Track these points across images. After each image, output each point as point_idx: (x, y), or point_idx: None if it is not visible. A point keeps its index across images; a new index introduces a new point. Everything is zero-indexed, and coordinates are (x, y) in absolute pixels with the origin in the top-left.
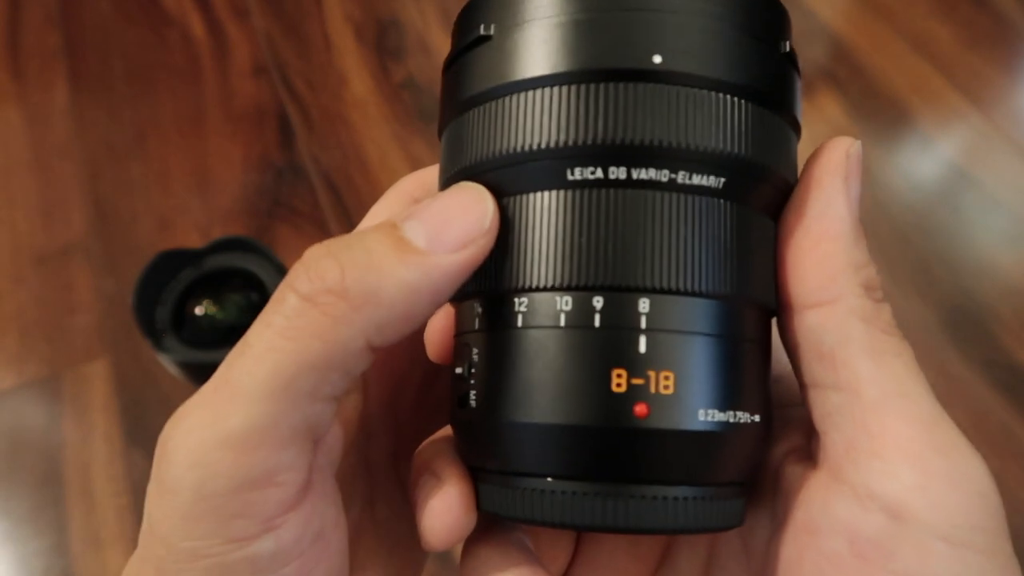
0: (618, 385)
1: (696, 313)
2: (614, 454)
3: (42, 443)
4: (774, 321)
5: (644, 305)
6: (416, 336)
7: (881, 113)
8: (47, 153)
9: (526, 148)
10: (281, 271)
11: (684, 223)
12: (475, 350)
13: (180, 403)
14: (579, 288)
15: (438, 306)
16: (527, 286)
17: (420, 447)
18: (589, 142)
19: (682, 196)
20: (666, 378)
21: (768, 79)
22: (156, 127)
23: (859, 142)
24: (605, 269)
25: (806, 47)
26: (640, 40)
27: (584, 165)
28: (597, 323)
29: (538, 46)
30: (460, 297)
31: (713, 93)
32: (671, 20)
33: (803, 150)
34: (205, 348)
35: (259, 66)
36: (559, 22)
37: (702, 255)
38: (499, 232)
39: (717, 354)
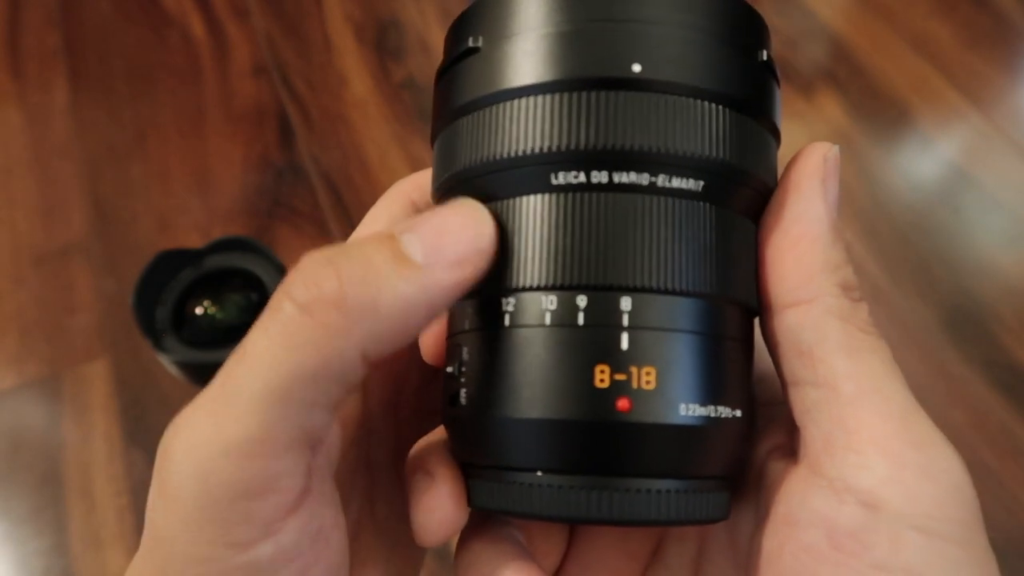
0: (601, 381)
1: (677, 311)
2: (599, 448)
3: (42, 443)
4: (757, 321)
5: (626, 303)
6: (417, 337)
7: (881, 113)
8: (47, 153)
9: (512, 154)
10: (281, 271)
11: (664, 224)
12: (465, 349)
13: (180, 403)
14: (563, 287)
15: (432, 320)
16: (514, 286)
17: (414, 447)
18: (572, 148)
19: (662, 199)
20: (648, 374)
21: (745, 86)
22: (156, 127)
23: (836, 147)
24: (588, 269)
25: (806, 47)
26: (620, 50)
27: (567, 170)
28: (581, 321)
29: (524, 57)
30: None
31: (691, 100)
32: (651, 31)
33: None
34: (205, 348)
35: (259, 66)
36: (544, 34)
37: (682, 255)
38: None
39: (698, 351)
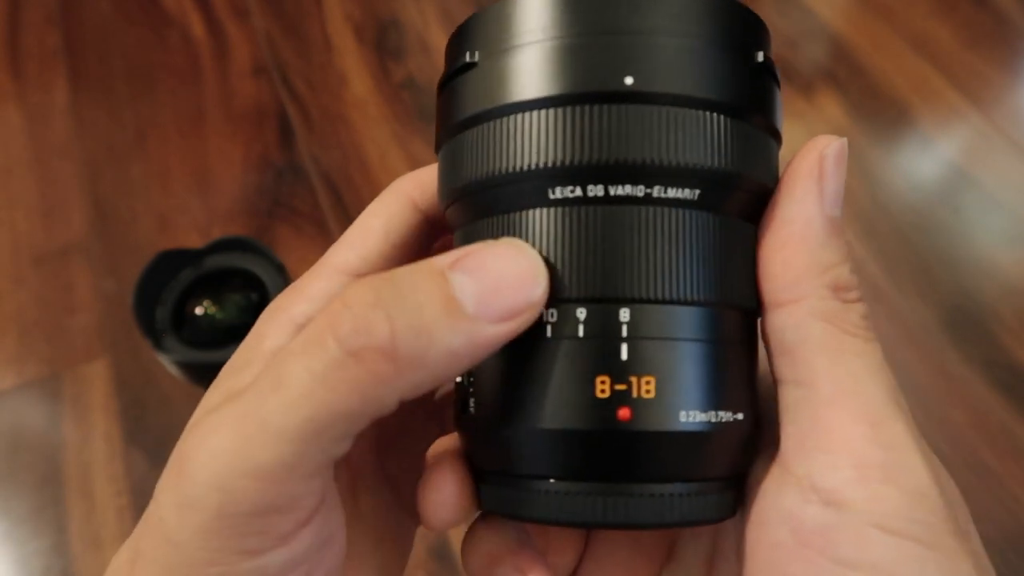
0: (602, 391)
1: (675, 320)
2: (603, 456)
3: (42, 443)
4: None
5: (625, 315)
6: None
7: (881, 113)
8: (47, 153)
9: (509, 170)
10: (281, 271)
11: (660, 235)
12: None
13: (180, 403)
14: (564, 300)
15: (469, 368)
16: None
17: (432, 445)
18: (567, 163)
19: (658, 209)
20: (647, 383)
21: (738, 90)
22: (156, 127)
23: (838, 140)
24: (586, 282)
25: (806, 47)
26: (612, 63)
27: (564, 184)
28: (581, 333)
29: (518, 73)
30: None
31: (684, 109)
32: (641, 42)
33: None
34: (205, 348)
35: (259, 66)
36: (537, 49)
37: (679, 264)
38: None
39: (697, 358)
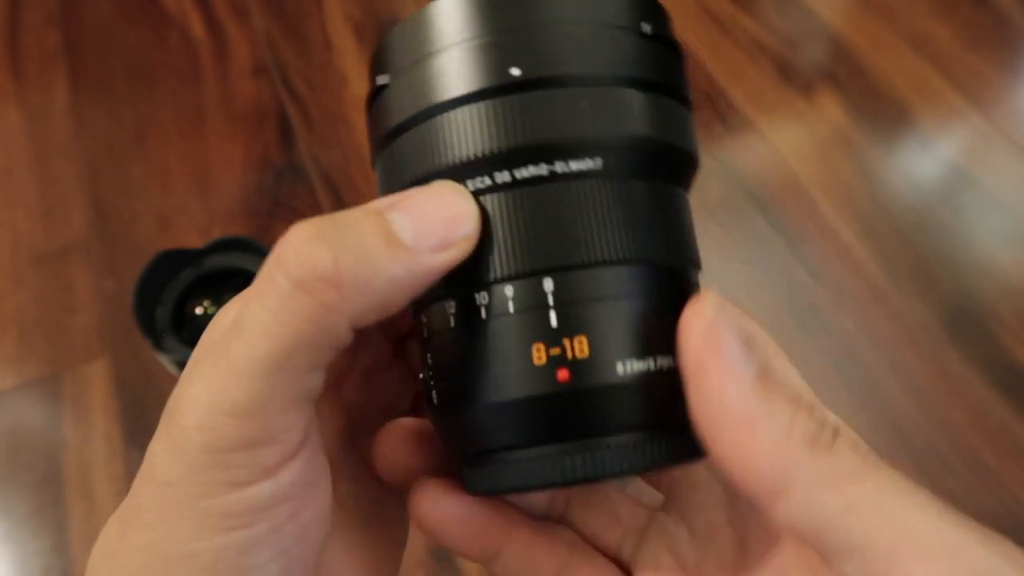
0: (539, 358)
1: (596, 281)
2: (557, 417)
3: (42, 443)
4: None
5: (549, 284)
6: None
7: (881, 113)
8: (47, 153)
9: (423, 173)
10: None
11: (569, 206)
12: (428, 355)
13: None
14: (492, 283)
15: (413, 298)
16: (451, 292)
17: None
18: (470, 157)
19: (563, 184)
20: (580, 343)
21: (622, 63)
22: (156, 127)
23: (713, 302)
24: (508, 261)
25: (806, 47)
26: (494, 60)
27: (473, 177)
28: (512, 309)
29: (419, 85)
30: (412, 314)
31: (567, 89)
32: (522, 36)
33: (803, 149)
34: None
35: (259, 66)
36: (432, 60)
37: (591, 231)
38: None
39: (624, 312)
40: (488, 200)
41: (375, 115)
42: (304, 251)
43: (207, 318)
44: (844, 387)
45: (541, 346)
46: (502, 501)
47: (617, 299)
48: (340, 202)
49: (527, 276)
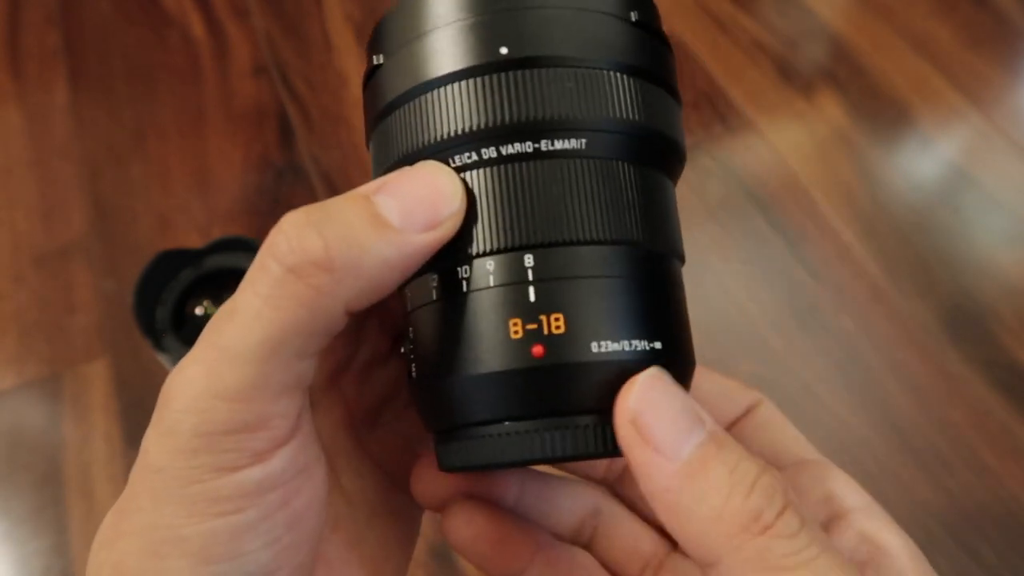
0: (515, 332)
1: (576, 259)
2: (531, 393)
3: (42, 443)
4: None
5: (529, 260)
6: (363, 313)
7: (881, 113)
8: (47, 153)
9: (412, 149)
10: None
11: (552, 184)
12: (410, 328)
13: None
14: (474, 256)
15: (405, 278)
16: (434, 265)
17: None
18: (458, 132)
19: (547, 162)
20: (556, 319)
21: (609, 47)
22: (156, 127)
23: (641, 388)
24: (491, 236)
25: (806, 47)
26: (483, 39)
27: (460, 152)
28: (492, 283)
29: (411, 64)
30: (397, 288)
31: (554, 69)
32: (511, 16)
33: (803, 149)
34: None
35: (259, 66)
36: (425, 40)
37: (572, 209)
38: None
39: (602, 292)
40: (474, 175)
41: (369, 95)
42: (295, 237)
43: (207, 318)
44: (844, 387)
45: (518, 321)
46: (531, 524)
47: (595, 279)
48: None
49: (508, 251)
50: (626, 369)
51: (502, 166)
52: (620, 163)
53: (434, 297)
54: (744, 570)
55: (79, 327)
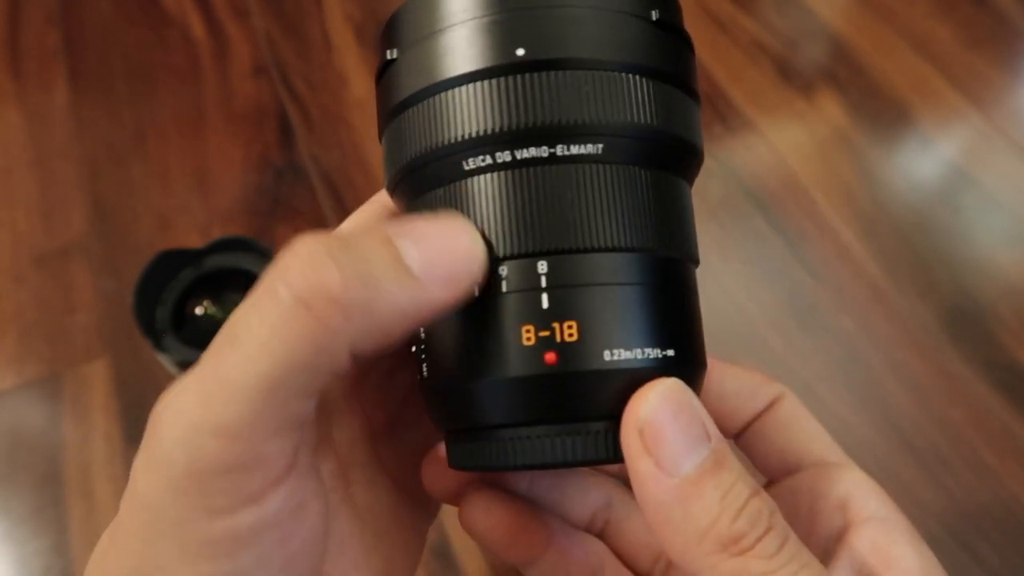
0: (528, 339)
1: (591, 267)
2: (543, 399)
3: (42, 443)
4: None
5: (543, 266)
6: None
7: (881, 113)
8: (47, 153)
9: (424, 150)
10: None
11: (567, 189)
12: (421, 329)
13: None
14: (488, 261)
15: (410, 333)
16: None
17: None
18: (472, 135)
19: (562, 167)
20: (570, 327)
21: (629, 49)
22: (156, 127)
23: (655, 398)
24: (505, 241)
25: (806, 47)
26: (499, 40)
27: (474, 155)
28: (505, 288)
29: (426, 62)
30: None
31: (571, 72)
32: (527, 16)
33: (803, 149)
34: (205, 348)
35: (259, 66)
36: (435, 38)
37: (588, 215)
38: None
39: (616, 300)
40: (488, 179)
41: (383, 89)
42: (311, 266)
43: (207, 318)
44: (844, 387)
45: (531, 327)
46: (547, 512)
47: (609, 286)
48: (340, 202)
49: (522, 257)
50: (638, 377)
51: (517, 170)
52: (637, 168)
53: None
54: None
55: (79, 327)
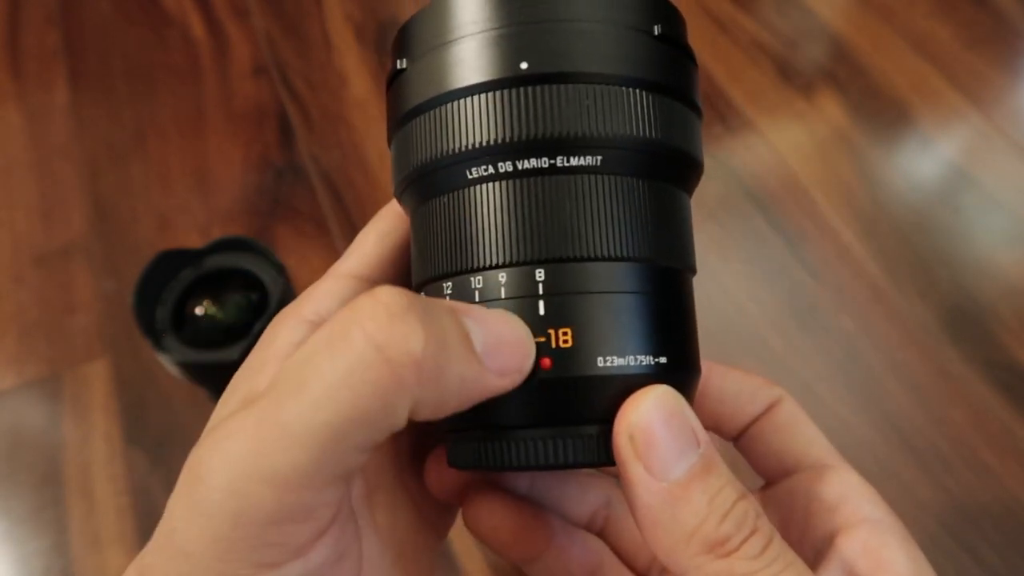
0: None
1: (587, 275)
2: (540, 402)
3: (42, 443)
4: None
5: (540, 274)
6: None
7: (881, 113)
8: (47, 153)
9: (430, 158)
10: (281, 271)
11: (566, 199)
12: None
13: (180, 403)
14: (487, 268)
15: (454, 411)
16: (449, 272)
17: None
18: (476, 145)
19: (562, 177)
20: (565, 334)
21: (630, 63)
22: (156, 127)
23: (649, 405)
24: (504, 250)
25: (806, 47)
26: (504, 53)
27: (477, 164)
28: (503, 295)
29: (430, 74)
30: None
31: (573, 86)
32: (531, 30)
33: (803, 149)
34: (205, 348)
35: (259, 66)
36: (442, 49)
37: (586, 225)
38: (421, 232)
39: (610, 308)
40: (489, 187)
41: (392, 97)
42: (399, 319)
43: (207, 318)
44: (844, 387)
45: None
46: (547, 512)
47: (604, 295)
48: (340, 202)
49: (520, 265)
50: (631, 383)
51: (517, 180)
52: (635, 179)
53: None
54: None
55: (79, 327)
